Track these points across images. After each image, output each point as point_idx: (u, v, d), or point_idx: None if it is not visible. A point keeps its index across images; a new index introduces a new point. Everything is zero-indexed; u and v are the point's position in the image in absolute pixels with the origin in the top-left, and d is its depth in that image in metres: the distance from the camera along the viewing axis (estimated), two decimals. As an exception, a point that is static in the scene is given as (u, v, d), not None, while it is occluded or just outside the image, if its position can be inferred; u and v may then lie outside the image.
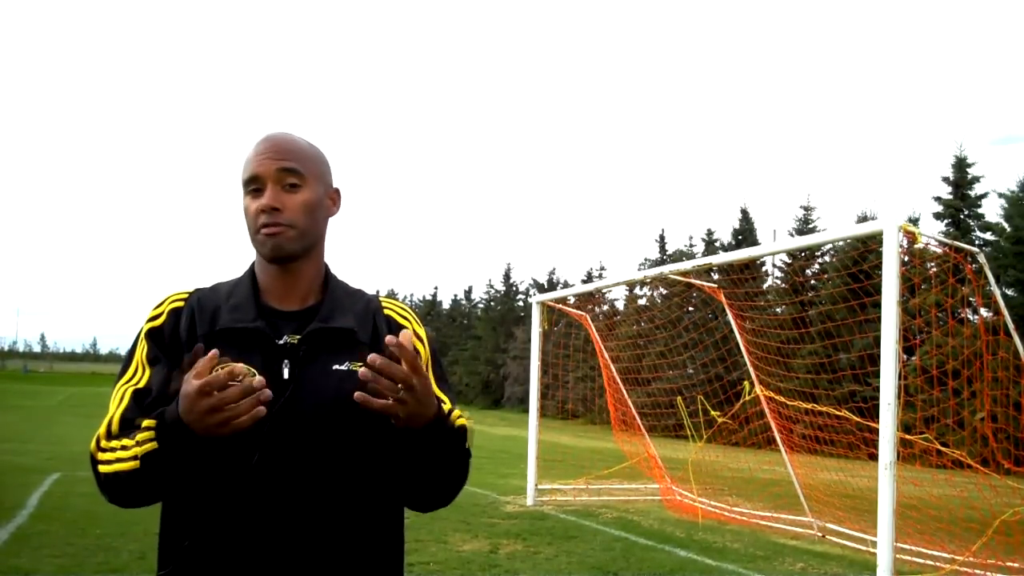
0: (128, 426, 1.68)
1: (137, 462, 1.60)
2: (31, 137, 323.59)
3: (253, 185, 1.75)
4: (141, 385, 1.73)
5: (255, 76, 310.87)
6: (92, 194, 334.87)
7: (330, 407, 1.68)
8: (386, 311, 1.86)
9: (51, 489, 11.33)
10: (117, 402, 1.73)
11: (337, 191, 1.87)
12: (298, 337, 1.73)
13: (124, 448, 1.63)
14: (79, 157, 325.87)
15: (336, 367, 1.72)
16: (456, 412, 1.74)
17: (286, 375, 1.70)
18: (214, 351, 1.53)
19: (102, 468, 1.66)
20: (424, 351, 1.83)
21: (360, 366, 1.70)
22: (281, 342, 1.72)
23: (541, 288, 52.58)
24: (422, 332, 1.86)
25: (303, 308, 1.79)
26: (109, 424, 1.70)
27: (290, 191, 1.75)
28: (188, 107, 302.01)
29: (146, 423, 1.60)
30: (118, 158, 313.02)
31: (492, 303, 63.87)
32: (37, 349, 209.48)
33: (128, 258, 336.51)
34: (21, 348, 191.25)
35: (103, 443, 1.68)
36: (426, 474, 1.73)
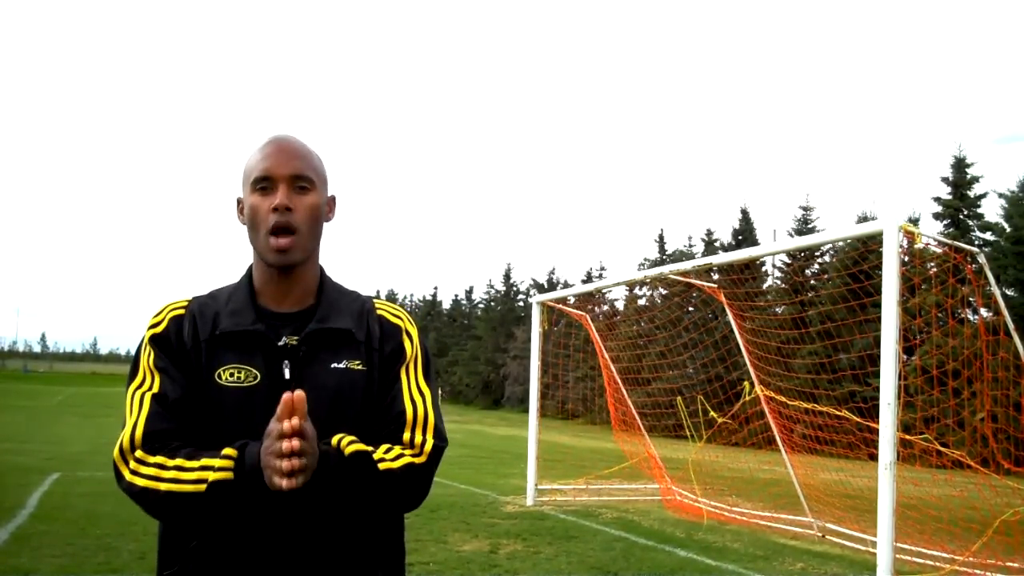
0: (159, 439, 1.68)
1: (203, 486, 1.60)
2: (32, 137, 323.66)
3: (263, 184, 1.79)
4: (156, 391, 1.73)
5: (254, 78, 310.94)
6: (92, 194, 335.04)
7: (331, 404, 1.72)
8: (379, 311, 1.90)
9: (51, 489, 11.31)
10: (136, 408, 1.72)
11: (333, 198, 1.93)
12: (296, 338, 1.77)
13: (180, 469, 1.62)
14: (80, 158, 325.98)
15: (335, 365, 1.77)
16: (347, 439, 1.67)
17: (287, 375, 1.74)
18: (299, 392, 1.55)
19: (140, 482, 1.65)
20: (410, 348, 1.87)
21: (358, 364, 1.78)
22: (281, 343, 1.76)
23: (541, 288, 52.60)
24: (413, 330, 1.90)
25: (300, 310, 1.83)
26: (133, 432, 1.69)
27: (300, 193, 1.80)
28: (188, 109, 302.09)
29: (227, 451, 1.62)
30: (119, 159, 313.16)
31: (492, 303, 63.89)
32: (37, 349, 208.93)
33: (128, 259, 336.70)
34: (21, 348, 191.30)
35: (138, 454, 1.67)
36: (344, 509, 1.70)
